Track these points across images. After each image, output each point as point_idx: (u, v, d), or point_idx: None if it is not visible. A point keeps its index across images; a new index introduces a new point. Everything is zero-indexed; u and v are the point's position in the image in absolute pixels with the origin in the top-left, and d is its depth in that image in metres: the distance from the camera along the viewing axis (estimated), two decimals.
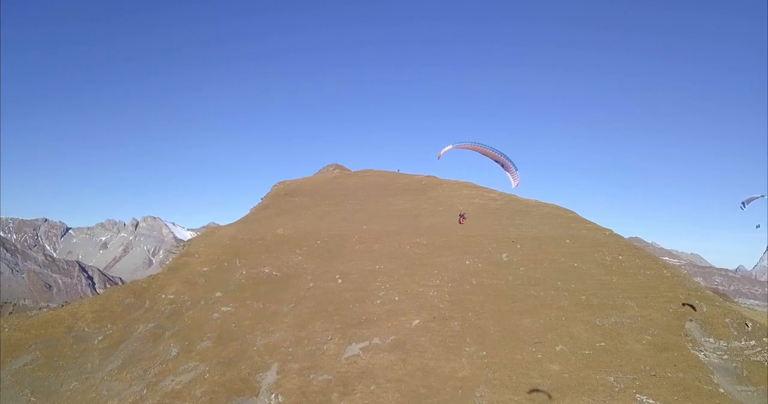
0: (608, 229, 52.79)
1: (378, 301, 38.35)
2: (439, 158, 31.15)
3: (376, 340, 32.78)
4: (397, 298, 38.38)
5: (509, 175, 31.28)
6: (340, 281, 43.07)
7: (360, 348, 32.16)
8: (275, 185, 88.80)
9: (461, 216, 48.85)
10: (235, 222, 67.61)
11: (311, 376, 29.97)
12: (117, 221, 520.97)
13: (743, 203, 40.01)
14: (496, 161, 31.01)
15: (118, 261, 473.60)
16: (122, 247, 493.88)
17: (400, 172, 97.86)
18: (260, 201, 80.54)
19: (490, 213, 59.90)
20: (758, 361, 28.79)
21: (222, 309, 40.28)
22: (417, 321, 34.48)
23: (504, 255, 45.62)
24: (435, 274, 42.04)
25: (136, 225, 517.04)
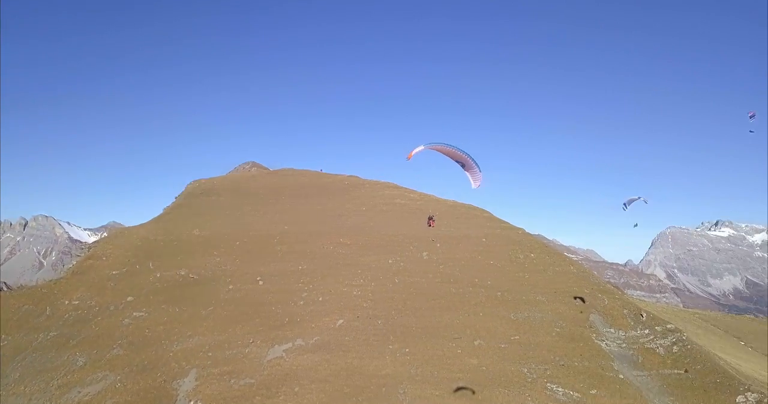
0: (520, 228, 56.34)
1: (301, 302, 38.00)
2: (409, 159, 30.07)
3: (299, 341, 32.45)
4: (320, 299, 38.28)
5: (470, 175, 31.26)
6: (261, 283, 42.13)
7: (283, 350, 31.68)
8: (190, 183, 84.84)
9: (430, 218, 45.42)
10: (146, 223, 63.80)
11: (232, 381, 29.07)
12: (2, 221, 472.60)
13: (625, 204, 43.83)
14: (458, 161, 30.89)
15: (3, 263, 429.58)
16: (8, 249, 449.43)
17: (323, 171, 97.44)
18: (174, 200, 76.66)
19: (411, 213, 61.51)
20: (651, 348, 32.33)
21: (134, 314, 37.91)
22: (341, 321, 34.61)
23: (424, 253, 47.05)
24: (359, 274, 42.43)
25: (25, 225, 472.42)
